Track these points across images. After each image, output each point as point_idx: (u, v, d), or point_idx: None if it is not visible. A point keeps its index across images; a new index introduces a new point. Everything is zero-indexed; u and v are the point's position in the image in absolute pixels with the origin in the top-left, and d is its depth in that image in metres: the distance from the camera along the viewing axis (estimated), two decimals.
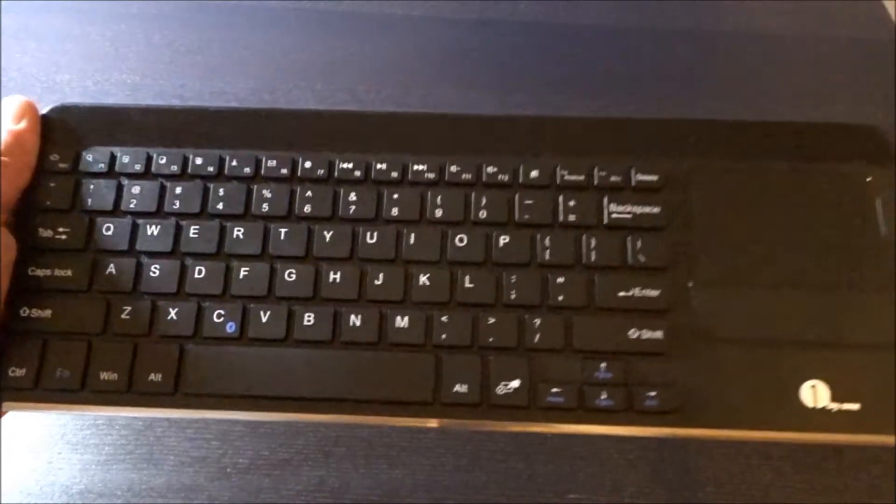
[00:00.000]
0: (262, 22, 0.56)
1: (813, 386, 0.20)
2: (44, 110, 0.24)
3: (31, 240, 0.22)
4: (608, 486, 0.34)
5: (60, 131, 0.23)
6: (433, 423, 0.21)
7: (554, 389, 0.20)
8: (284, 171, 0.23)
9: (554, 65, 0.56)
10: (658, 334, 0.21)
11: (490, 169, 0.22)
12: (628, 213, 0.22)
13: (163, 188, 0.23)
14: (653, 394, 0.20)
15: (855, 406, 0.20)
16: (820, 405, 0.20)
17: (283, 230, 0.22)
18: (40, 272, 0.22)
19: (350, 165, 0.23)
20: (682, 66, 0.57)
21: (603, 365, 0.21)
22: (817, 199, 0.22)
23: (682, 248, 0.22)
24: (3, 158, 0.21)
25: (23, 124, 0.22)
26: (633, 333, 0.21)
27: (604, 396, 0.20)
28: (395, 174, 0.22)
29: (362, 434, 0.36)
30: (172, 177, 0.23)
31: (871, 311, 0.21)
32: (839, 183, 0.22)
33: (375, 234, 0.22)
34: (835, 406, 0.20)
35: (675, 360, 0.21)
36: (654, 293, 0.21)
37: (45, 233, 0.22)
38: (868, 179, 0.21)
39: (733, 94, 0.54)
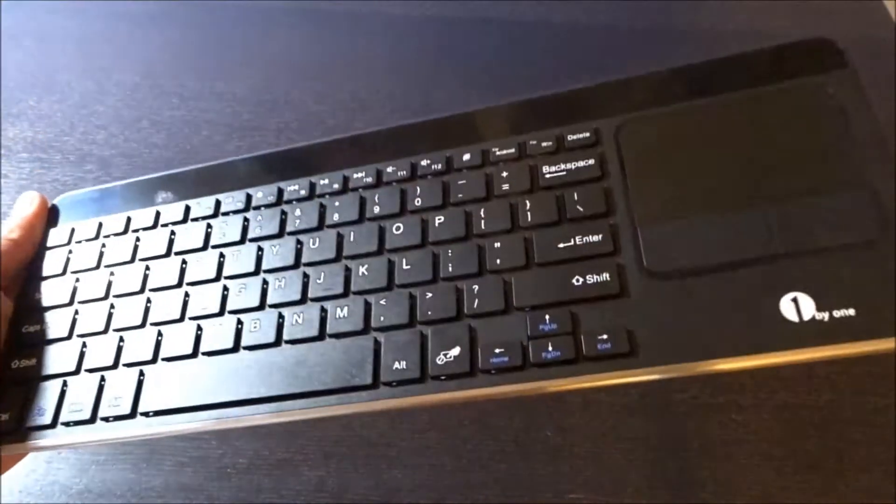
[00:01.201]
0: (262, 22, 0.56)
1: (794, 299, 0.18)
2: (54, 201, 0.29)
3: (27, 302, 0.25)
4: (608, 486, 0.34)
5: (64, 215, 0.27)
6: (378, 406, 0.21)
7: (496, 350, 0.20)
8: (240, 204, 0.25)
9: (554, 65, 0.56)
10: (605, 276, 0.20)
11: (424, 162, 0.23)
12: (562, 170, 0.21)
13: (137, 240, 0.26)
14: (604, 337, 0.19)
15: (846, 312, 0.18)
16: (806, 318, 0.18)
17: (235, 253, 0.25)
18: (31, 328, 0.25)
19: (296, 187, 0.25)
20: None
21: (546, 317, 0.20)
22: (762, 118, 0.20)
23: (623, 191, 0.21)
24: (11, 236, 0.26)
25: (31, 209, 0.27)
26: (577, 281, 0.20)
27: (550, 348, 0.19)
28: (336, 185, 0.24)
29: (362, 434, 0.36)
30: (145, 229, 0.26)
31: (843, 211, 0.19)
32: (782, 96, 0.20)
33: (318, 240, 0.24)
34: (822, 316, 0.18)
35: (628, 300, 0.19)
36: (595, 238, 0.20)
37: (39, 295, 0.26)
38: (828, 89, 0.20)
39: None
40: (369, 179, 0.24)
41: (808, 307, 0.18)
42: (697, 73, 0.23)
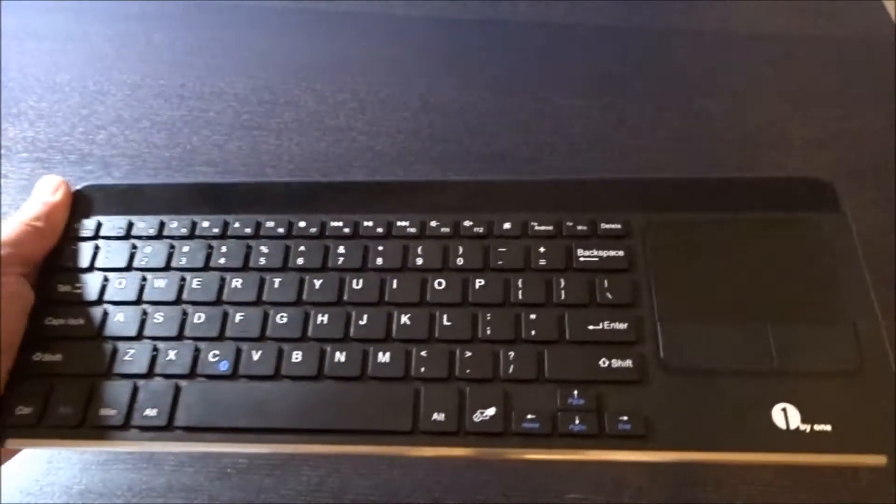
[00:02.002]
0: (262, 22, 0.56)
1: (783, 409, 0.21)
2: (77, 187, 0.28)
3: (50, 294, 0.25)
4: (608, 486, 0.34)
5: (88, 205, 0.26)
6: (413, 452, 0.22)
7: (528, 416, 0.21)
8: (281, 230, 0.25)
9: (554, 65, 0.56)
10: (628, 363, 0.22)
11: (466, 223, 0.24)
12: (595, 256, 0.24)
13: (172, 248, 0.25)
14: (625, 418, 0.21)
15: (826, 427, 0.21)
16: (791, 427, 0.21)
17: (277, 280, 0.25)
18: (55, 322, 0.24)
19: (340, 224, 0.25)
20: (681, 66, 0.57)
21: (575, 392, 0.22)
22: (771, 244, 0.24)
23: (647, 286, 0.23)
24: (36, 223, 0.25)
25: (56, 197, 0.26)
26: (603, 363, 0.22)
27: (577, 422, 0.21)
28: (380, 230, 0.25)
29: None
30: (181, 238, 0.26)
31: (830, 341, 0.22)
32: (789, 228, 0.24)
33: (361, 280, 0.24)
34: (807, 427, 0.21)
35: (646, 388, 0.22)
36: (621, 326, 0.23)
37: (64, 287, 0.25)
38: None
39: (733, 94, 0.54)
40: (413, 230, 0.25)
41: (795, 418, 0.21)
42: (720, 187, 0.25)
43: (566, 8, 0.60)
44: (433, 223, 0.25)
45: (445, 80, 0.53)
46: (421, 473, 0.35)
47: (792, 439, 0.21)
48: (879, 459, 0.21)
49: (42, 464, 0.35)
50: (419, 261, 0.24)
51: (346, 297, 0.24)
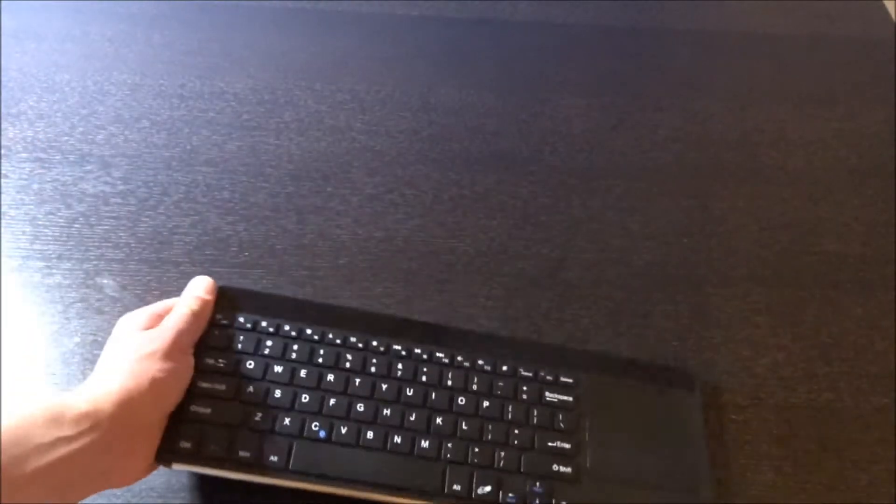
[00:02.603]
0: (262, 22, 0.56)
1: None
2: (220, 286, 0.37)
3: (201, 365, 0.34)
4: None
5: (227, 302, 0.37)
6: None
7: (510, 494, 0.33)
8: (360, 345, 0.37)
9: (554, 65, 0.56)
10: (569, 469, 0.35)
11: (479, 362, 0.38)
12: (556, 398, 0.37)
13: (286, 345, 0.36)
14: (565, 503, 0.34)
15: None
16: None
17: (357, 379, 0.36)
18: (205, 385, 0.34)
19: (399, 347, 0.37)
20: (682, 66, 0.57)
21: (538, 483, 0.34)
22: (654, 403, 0.38)
23: (585, 420, 0.36)
24: (199, 317, 0.35)
25: (210, 296, 0.36)
26: (555, 467, 0.35)
27: (537, 502, 0.34)
28: (425, 356, 0.37)
29: None
30: (292, 338, 0.37)
31: (689, 473, 0.36)
32: (663, 394, 0.39)
33: (412, 389, 0.36)
34: None
35: (579, 485, 0.34)
36: (567, 445, 0.35)
37: (210, 362, 0.35)
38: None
39: (733, 94, 0.54)
40: (446, 360, 0.37)
41: None
42: (631, 366, 0.40)
43: (566, 8, 0.61)
44: (459, 358, 0.37)
45: (445, 80, 0.53)
46: None
47: None
48: None
49: None
50: (449, 382, 0.37)
51: (402, 399, 0.35)
